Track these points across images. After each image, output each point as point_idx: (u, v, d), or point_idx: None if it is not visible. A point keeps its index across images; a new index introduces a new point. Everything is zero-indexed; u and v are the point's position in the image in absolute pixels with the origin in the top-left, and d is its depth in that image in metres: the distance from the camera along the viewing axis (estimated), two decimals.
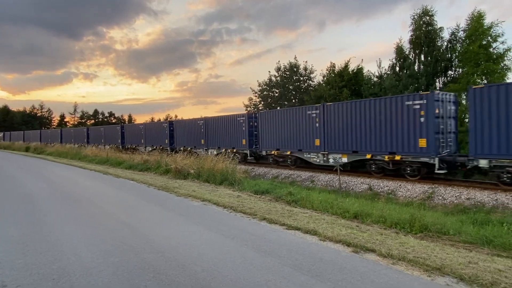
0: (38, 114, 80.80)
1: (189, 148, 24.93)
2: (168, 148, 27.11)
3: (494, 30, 20.00)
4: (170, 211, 8.24)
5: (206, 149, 23.89)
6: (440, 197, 11.23)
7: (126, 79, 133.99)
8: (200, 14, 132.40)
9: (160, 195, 10.68)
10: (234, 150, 21.24)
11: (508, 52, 19.79)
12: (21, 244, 5.71)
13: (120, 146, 34.73)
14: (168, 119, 53.00)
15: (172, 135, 27.78)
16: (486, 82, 19.62)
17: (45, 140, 48.80)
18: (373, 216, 7.12)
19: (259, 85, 35.58)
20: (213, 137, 23.47)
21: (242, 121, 20.89)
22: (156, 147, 28.88)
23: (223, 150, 20.86)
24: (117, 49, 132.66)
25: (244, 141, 20.85)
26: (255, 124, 20.57)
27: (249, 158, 21.03)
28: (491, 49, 20.09)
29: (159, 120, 63.45)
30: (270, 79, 34.87)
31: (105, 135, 38.52)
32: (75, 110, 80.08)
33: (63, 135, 47.50)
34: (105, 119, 79.75)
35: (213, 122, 23.58)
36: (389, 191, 12.59)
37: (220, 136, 22.85)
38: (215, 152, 22.08)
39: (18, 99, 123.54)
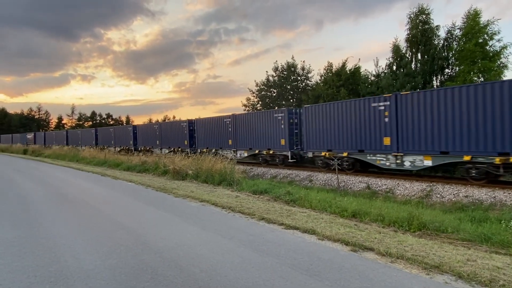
0: (35, 117, 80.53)
1: (213, 150, 22.49)
2: (188, 150, 24.94)
3: (490, 28, 20.06)
4: (168, 212, 8.22)
5: (234, 151, 21.48)
6: (438, 195, 11.25)
7: (124, 80, 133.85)
8: (198, 14, 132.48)
9: (158, 196, 10.66)
10: (271, 152, 19.08)
11: (505, 50, 19.85)
12: (18, 246, 5.68)
13: (133, 148, 32.08)
14: (169, 119, 52.81)
15: (192, 135, 25.34)
16: (482, 80, 19.69)
17: (50, 142, 48.05)
18: (371, 214, 7.12)
19: (257, 85, 35.59)
20: (243, 137, 20.99)
21: (280, 117, 18.45)
22: (173, 148, 26.50)
23: (256, 151, 19.70)
24: (115, 50, 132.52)
25: (283, 141, 18.37)
26: (296, 121, 18.38)
27: (290, 160, 18.37)
28: (487, 47, 20.15)
29: (174, 118, 62.65)
30: (267, 79, 34.89)
31: (116, 136, 35.85)
32: (72, 112, 79.83)
33: (69, 137, 45.46)
34: (103, 121, 79.50)
35: (243, 119, 21.05)
36: (387, 189, 12.60)
37: (251, 135, 20.36)
38: (245, 154, 20.76)
39: (16, 102, 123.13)
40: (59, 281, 4.25)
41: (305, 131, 17.55)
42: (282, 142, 18.48)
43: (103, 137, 38.58)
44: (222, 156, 17.16)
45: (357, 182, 13.94)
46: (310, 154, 17.45)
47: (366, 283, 4.04)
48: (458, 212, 9.14)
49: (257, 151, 19.72)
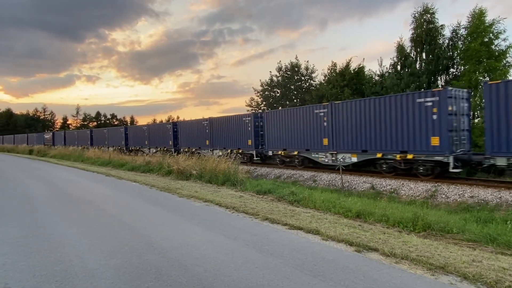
0: (41, 117, 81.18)
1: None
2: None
3: (496, 27, 19.89)
4: (172, 212, 8.25)
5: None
6: (443, 196, 11.18)
7: (128, 81, 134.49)
8: (202, 15, 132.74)
9: (163, 196, 10.69)
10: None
11: (510, 49, 19.67)
12: (24, 246, 5.73)
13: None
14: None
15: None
16: (488, 79, 19.54)
17: (71, 142, 45.39)
18: (376, 215, 7.09)
19: (261, 85, 35.60)
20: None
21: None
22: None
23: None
24: (120, 51, 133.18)
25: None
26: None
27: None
28: (493, 46, 19.98)
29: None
30: (271, 79, 34.88)
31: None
32: (77, 112, 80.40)
33: (92, 137, 42.92)
34: (107, 121, 79.97)
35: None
36: (392, 190, 12.55)
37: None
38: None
39: (22, 102, 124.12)
40: (65, 281, 4.28)
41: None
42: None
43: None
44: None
45: (361, 182, 13.89)
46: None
47: (370, 283, 4.02)
48: (464, 212, 9.08)
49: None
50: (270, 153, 19.76)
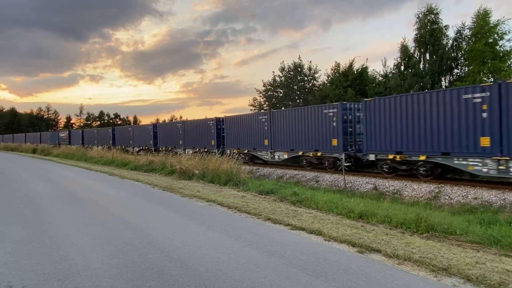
0: (44, 116, 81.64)
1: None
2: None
3: (500, 28, 19.80)
4: (174, 212, 8.25)
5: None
6: (447, 197, 11.12)
7: (132, 81, 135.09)
8: (206, 15, 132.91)
9: (165, 196, 10.71)
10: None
11: None
12: (27, 244, 5.75)
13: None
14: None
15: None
16: (492, 80, 19.42)
17: (90, 142, 41.09)
18: (379, 216, 7.07)
19: (264, 85, 35.59)
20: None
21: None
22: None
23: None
24: (123, 51, 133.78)
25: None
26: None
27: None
28: (497, 47, 19.88)
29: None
30: (274, 79, 34.87)
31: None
32: (81, 111, 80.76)
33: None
34: (111, 121, 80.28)
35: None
36: (395, 191, 12.50)
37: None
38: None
39: (26, 101, 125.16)
40: (67, 279, 4.29)
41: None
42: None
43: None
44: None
45: (364, 183, 13.85)
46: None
47: (373, 285, 4.00)
48: (467, 214, 9.02)
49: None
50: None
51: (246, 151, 20.97)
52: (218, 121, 23.35)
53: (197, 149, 24.08)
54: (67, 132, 50.71)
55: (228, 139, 22.54)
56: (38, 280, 4.30)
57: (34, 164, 25.02)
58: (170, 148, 27.72)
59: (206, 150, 23.29)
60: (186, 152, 24.98)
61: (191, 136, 25.79)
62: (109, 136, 37.56)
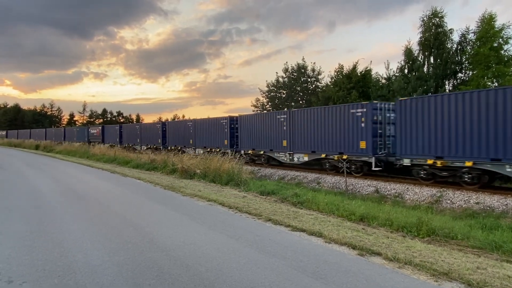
0: (48, 113, 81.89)
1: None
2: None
3: (505, 32, 19.72)
4: (175, 211, 8.27)
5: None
6: (449, 201, 11.08)
7: (135, 79, 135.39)
8: (211, 14, 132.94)
9: (166, 194, 10.72)
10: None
11: None
12: (28, 240, 5.77)
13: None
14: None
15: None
16: (496, 85, 19.35)
17: (131, 140, 34.60)
18: (380, 219, 7.05)
19: (267, 86, 35.59)
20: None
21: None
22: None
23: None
24: (128, 49, 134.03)
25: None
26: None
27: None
28: (502, 52, 19.80)
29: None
30: (277, 80, 34.87)
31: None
32: (84, 109, 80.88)
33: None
34: (113, 118, 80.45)
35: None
36: (396, 194, 12.46)
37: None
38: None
39: (30, 98, 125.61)
40: (67, 276, 4.30)
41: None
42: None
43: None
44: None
45: (366, 185, 13.81)
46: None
47: None
48: (469, 218, 8.98)
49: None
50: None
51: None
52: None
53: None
54: (100, 128, 41.44)
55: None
56: (38, 276, 4.31)
57: (37, 161, 25.12)
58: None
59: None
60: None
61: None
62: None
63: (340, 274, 4.38)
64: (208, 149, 23.89)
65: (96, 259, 4.86)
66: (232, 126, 22.56)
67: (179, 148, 27.03)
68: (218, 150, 21.76)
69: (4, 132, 67.01)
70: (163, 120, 44.42)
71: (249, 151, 20.71)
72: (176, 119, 63.72)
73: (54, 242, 5.69)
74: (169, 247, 5.40)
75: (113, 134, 37.94)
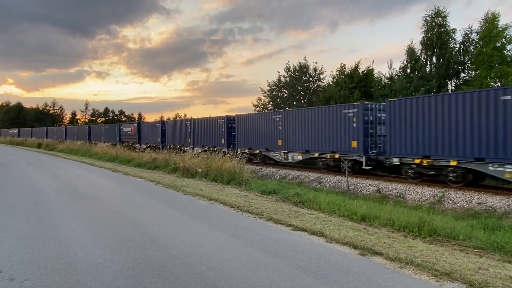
0: (50, 112, 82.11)
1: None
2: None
3: (508, 32, 19.63)
4: (176, 210, 8.27)
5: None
6: (450, 201, 11.05)
7: (137, 78, 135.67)
8: (213, 13, 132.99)
9: (168, 193, 10.74)
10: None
11: None
12: (30, 238, 5.79)
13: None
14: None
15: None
16: (499, 84, 19.27)
17: (173, 140, 28.91)
18: (381, 218, 7.03)
19: (269, 85, 35.55)
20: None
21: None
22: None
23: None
24: (130, 48, 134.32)
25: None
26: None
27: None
28: (505, 52, 19.71)
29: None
30: (279, 80, 34.83)
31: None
32: (86, 107, 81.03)
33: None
34: (115, 117, 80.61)
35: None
36: (398, 194, 12.43)
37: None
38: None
39: (32, 96, 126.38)
40: (68, 274, 4.31)
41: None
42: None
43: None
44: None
45: (367, 185, 13.79)
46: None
47: (374, 287, 3.98)
48: (471, 219, 8.95)
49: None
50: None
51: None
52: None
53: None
54: (135, 125, 34.88)
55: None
56: (40, 274, 4.32)
57: (39, 159, 25.19)
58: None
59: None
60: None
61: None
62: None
63: (341, 274, 4.37)
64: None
65: (97, 257, 4.87)
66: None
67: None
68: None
69: (16, 131, 66.44)
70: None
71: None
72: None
73: (56, 240, 5.70)
74: (170, 246, 5.41)
75: (154, 132, 31.82)
